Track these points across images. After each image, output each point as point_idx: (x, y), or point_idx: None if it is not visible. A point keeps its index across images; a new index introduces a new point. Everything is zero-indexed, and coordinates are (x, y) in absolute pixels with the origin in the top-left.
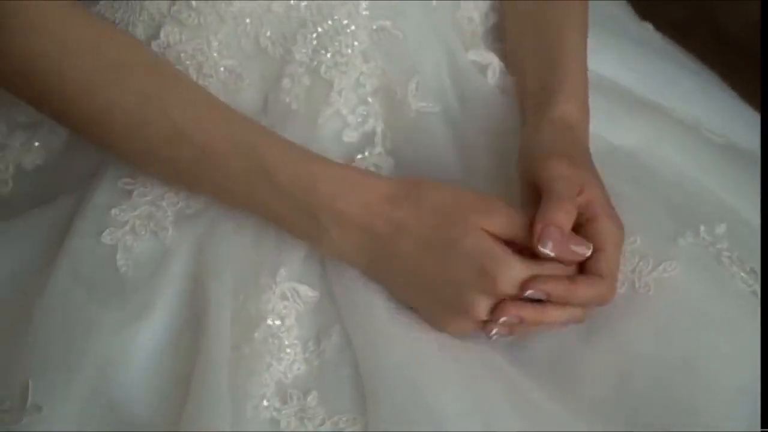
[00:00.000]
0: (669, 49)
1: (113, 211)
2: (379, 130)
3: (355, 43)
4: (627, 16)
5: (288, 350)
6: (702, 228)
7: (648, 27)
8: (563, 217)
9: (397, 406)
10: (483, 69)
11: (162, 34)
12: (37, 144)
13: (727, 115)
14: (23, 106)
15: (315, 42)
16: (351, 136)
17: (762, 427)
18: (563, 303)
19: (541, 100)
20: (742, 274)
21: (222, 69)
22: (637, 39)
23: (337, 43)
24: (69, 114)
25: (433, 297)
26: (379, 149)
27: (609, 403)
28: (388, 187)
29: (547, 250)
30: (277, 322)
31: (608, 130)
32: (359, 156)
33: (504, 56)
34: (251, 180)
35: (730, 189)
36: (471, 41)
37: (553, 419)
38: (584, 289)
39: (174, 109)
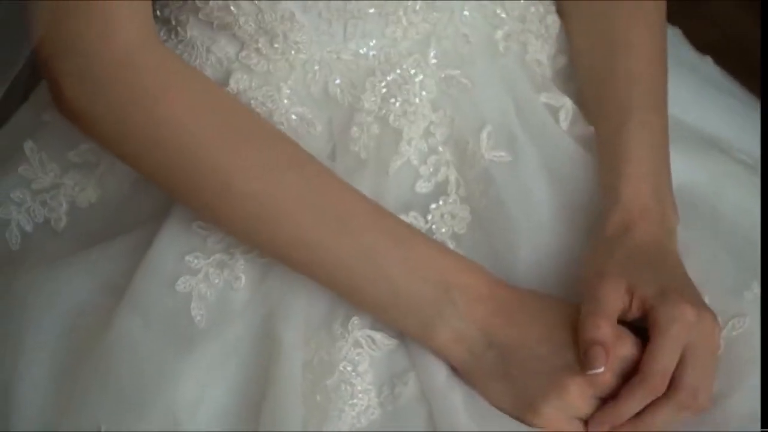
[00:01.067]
0: (726, 83)
1: (187, 258)
2: (452, 178)
3: (423, 93)
4: (685, 47)
5: (361, 395)
6: None
7: (707, 60)
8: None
9: None
10: (555, 112)
11: (232, 81)
12: (93, 182)
13: None
14: (75, 147)
15: (384, 90)
16: (424, 187)
17: (762, 427)
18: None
19: (605, 181)
20: None
21: (293, 116)
22: (698, 73)
23: (405, 92)
24: (188, 181)
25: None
26: (453, 197)
27: None
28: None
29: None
30: (349, 368)
31: (677, 169)
32: (433, 205)
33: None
34: (385, 248)
35: None
36: (542, 84)
37: None
38: (626, 402)
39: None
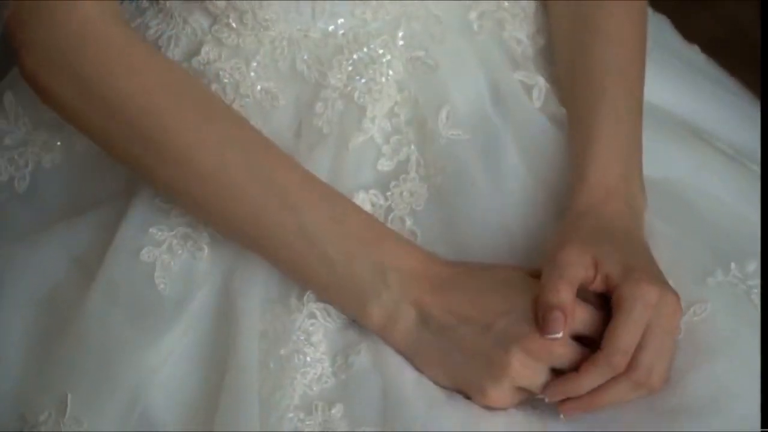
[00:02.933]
0: (713, 71)
1: (151, 230)
2: (413, 158)
3: (390, 72)
4: (672, 35)
5: (314, 364)
6: (733, 265)
7: (695, 49)
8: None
9: (419, 423)
10: (529, 90)
11: (203, 52)
12: (59, 143)
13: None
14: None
15: (350, 68)
16: (386, 165)
17: (762, 427)
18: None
19: (574, 162)
20: None
21: (259, 89)
22: (684, 61)
23: (371, 71)
24: (148, 153)
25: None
26: (413, 175)
27: None
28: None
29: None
30: (303, 338)
31: (650, 161)
32: (393, 183)
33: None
34: (326, 229)
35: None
36: (523, 63)
37: None
38: (587, 375)
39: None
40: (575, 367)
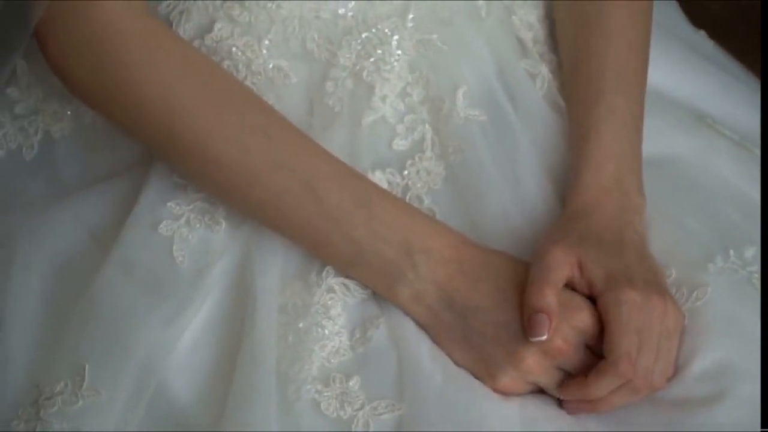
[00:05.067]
0: (720, 57)
1: (169, 204)
2: (428, 136)
3: (399, 53)
4: (680, 21)
5: (332, 337)
6: (731, 252)
7: (702, 35)
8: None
9: (435, 395)
10: (533, 78)
11: (215, 28)
12: (69, 113)
13: None
14: None
15: (359, 48)
16: (401, 144)
17: (762, 427)
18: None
19: (570, 162)
20: None
21: (271, 66)
22: (690, 47)
23: (380, 51)
24: (170, 141)
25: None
26: (429, 154)
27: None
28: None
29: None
30: (321, 311)
31: (658, 142)
32: (410, 162)
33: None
34: (350, 212)
35: None
36: (534, 47)
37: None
38: (596, 384)
39: (279, 139)
40: (583, 370)
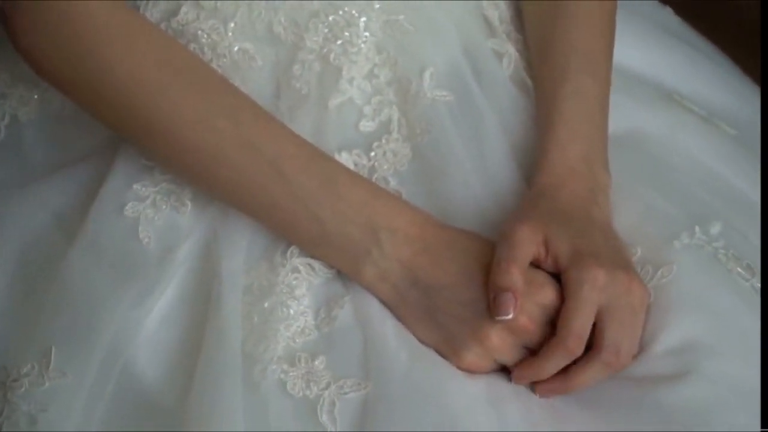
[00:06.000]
0: (687, 34)
1: (135, 186)
2: (395, 118)
3: (366, 34)
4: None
5: (299, 317)
6: (697, 229)
7: (668, 11)
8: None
9: (401, 373)
10: (500, 57)
11: (181, 12)
12: (35, 97)
13: (740, 102)
14: None
15: (326, 30)
16: (368, 126)
17: (762, 427)
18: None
19: (538, 141)
20: (739, 269)
21: (236, 49)
22: (657, 24)
23: (347, 33)
24: (132, 121)
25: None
26: (395, 135)
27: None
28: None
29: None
30: (286, 291)
31: (625, 118)
32: (376, 143)
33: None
34: (316, 191)
35: (740, 177)
36: (500, 27)
37: (561, 412)
38: (546, 360)
39: (245, 120)
40: None
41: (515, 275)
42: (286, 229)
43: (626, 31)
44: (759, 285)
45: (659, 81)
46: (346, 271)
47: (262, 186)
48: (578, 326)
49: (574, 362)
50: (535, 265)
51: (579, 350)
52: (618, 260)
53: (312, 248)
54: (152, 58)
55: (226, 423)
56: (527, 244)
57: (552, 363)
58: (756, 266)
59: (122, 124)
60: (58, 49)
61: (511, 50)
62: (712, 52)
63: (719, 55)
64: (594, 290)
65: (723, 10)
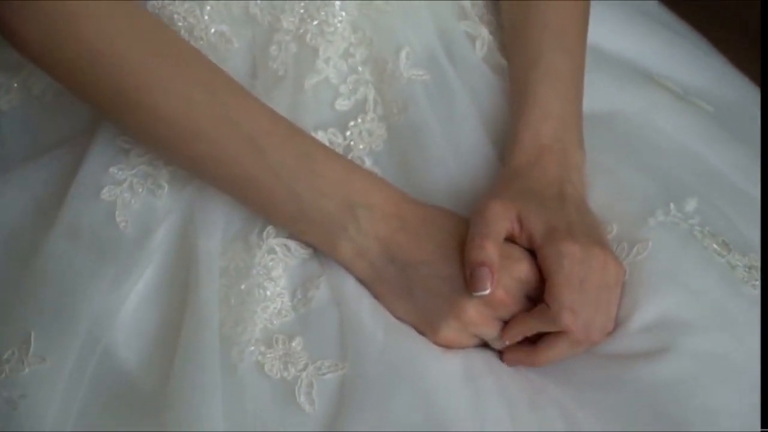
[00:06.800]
0: (663, 15)
1: (111, 170)
2: (370, 97)
3: (343, 14)
4: None
5: (274, 298)
6: (672, 206)
7: None
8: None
9: (377, 352)
10: (473, 40)
11: None
12: (15, 85)
13: (718, 82)
14: (6, 46)
15: (302, 11)
16: (343, 105)
17: (762, 427)
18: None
19: (511, 120)
20: (715, 246)
21: (213, 31)
22: (631, 4)
23: (323, 13)
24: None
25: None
26: (371, 115)
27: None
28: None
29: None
30: (263, 273)
31: (601, 97)
32: (352, 123)
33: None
34: (293, 167)
35: (716, 154)
36: (472, 9)
37: (542, 393)
38: (532, 322)
39: (223, 95)
40: None
41: (490, 250)
42: (263, 205)
43: (603, 13)
44: (735, 261)
45: (634, 60)
46: (322, 247)
47: (239, 161)
48: (569, 299)
49: (544, 336)
50: (510, 239)
51: (573, 325)
52: (593, 236)
53: (289, 224)
54: (131, 34)
55: (204, 405)
56: (500, 219)
57: (553, 350)
58: (732, 242)
59: (102, 99)
60: (36, 23)
61: (484, 32)
62: (690, 34)
63: (697, 37)
64: (574, 264)
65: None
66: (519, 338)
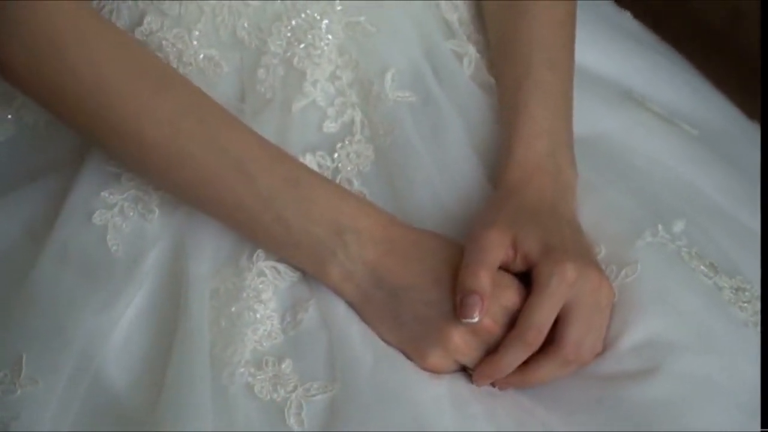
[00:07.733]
0: (647, 37)
1: (103, 194)
2: (357, 119)
3: (329, 37)
4: (606, 3)
5: (265, 321)
6: (660, 227)
7: (627, 15)
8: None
9: (366, 374)
10: (460, 58)
11: (145, 22)
12: (9, 117)
13: (702, 104)
14: None
15: (289, 34)
16: (331, 127)
17: (762, 427)
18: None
19: (502, 138)
20: (702, 267)
21: (201, 57)
22: (615, 27)
23: (310, 36)
24: (99, 123)
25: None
26: (358, 137)
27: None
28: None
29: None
30: (253, 295)
31: (585, 118)
32: (339, 144)
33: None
34: (281, 192)
35: (702, 177)
36: (460, 28)
37: (525, 409)
38: (507, 355)
39: (211, 121)
40: None
41: (484, 279)
42: (252, 230)
43: (587, 33)
44: (722, 283)
45: (619, 81)
46: (311, 271)
47: (227, 186)
48: (539, 319)
49: (536, 357)
50: (503, 267)
51: (537, 343)
52: (588, 257)
53: (277, 249)
54: (117, 60)
55: (195, 427)
56: (496, 248)
57: (510, 356)
58: (719, 264)
59: (89, 126)
60: (19, 42)
61: (471, 51)
62: (672, 54)
63: (679, 58)
64: (562, 284)
65: (681, 15)
66: (490, 380)
